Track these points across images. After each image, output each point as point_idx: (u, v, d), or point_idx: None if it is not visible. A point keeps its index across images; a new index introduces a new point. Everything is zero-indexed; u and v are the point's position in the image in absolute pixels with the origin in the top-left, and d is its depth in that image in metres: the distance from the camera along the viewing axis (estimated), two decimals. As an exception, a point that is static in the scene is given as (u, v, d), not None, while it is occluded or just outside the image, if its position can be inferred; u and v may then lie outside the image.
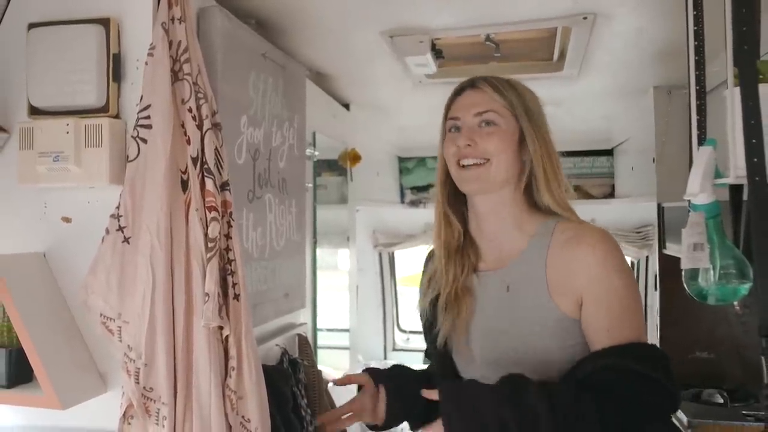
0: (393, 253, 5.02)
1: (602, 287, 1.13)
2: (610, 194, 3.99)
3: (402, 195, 4.41)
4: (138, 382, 1.33)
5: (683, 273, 1.36)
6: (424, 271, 1.43)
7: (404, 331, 5.09)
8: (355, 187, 3.18)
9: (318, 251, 2.73)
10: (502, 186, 1.24)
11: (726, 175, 1.26)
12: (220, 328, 1.39)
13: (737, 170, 1.19)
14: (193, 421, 1.35)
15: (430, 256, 1.41)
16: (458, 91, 1.30)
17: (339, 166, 3.10)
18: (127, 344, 1.35)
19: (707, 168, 1.27)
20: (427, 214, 4.53)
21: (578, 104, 3.12)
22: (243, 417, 1.41)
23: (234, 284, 1.42)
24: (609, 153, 4.00)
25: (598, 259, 1.14)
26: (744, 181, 1.15)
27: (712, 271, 1.31)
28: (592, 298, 1.14)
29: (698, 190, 1.26)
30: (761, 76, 1.25)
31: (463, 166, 1.23)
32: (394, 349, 5.07)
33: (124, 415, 1.35)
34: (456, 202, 1.31)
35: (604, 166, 4.01)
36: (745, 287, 1.32)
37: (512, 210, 1.26)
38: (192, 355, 1.37)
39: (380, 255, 4.97)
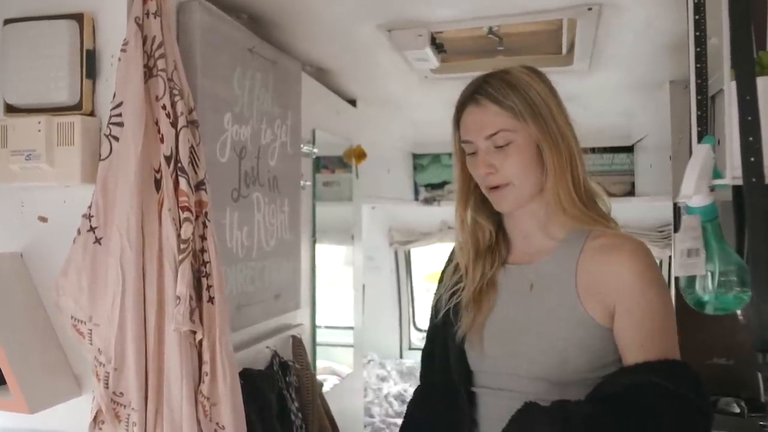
0: (409, 251, 4.96)
1: (637, 300, 1.09)
2: (630, 192, 3.86)
3: (416, 192, 4.33)
4: (107, 387, 1.30)
5: (680, 281, 1.28)
6: (446, 266, 1.38)
7: (420, 330, 5.03)
8: (364, 185, 3.12)
9: (327, 249, 2.68)
10: (533, 197, 1.19)
11: (724, 175, 1.17)
12: (193, 332, 1.35)
13: (734, 170, 1.11)
14: (164, 427, 1.32)
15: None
16: (461, 106, 1.23)
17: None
18: (98, 348, 1.32)
19: (704, 168, 1.19)
20: (442, 212, 4.45)
21: (593, 99, 3.01)
22: (217, 424, 1.37)
23: (209, 287, 1.38)
24: (629, 150, 3.87)
25: (636, 270, 1.09)
26: (740, 182, 1.06)
27: (710, 279, 1.23)
28: (626, 310, 1.09)
29: (693, 192, 1.17)
30: (765, 69, 1.16)
31: (491, 189, 1.20)
32: (410, 348, 5.02)
33: (94, 420, 1.32)
34: (485, 200, 1.25)
35: (624, 163, 3.88)
36: (747, 295, 1.23)
37: (539, 215, 1.21)
38: (163, 359, 1.33)
39: (396, 252, 4.92)
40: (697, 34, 1.30)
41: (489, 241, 1.27)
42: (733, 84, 1.08)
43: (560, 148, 1.15)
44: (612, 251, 1.12)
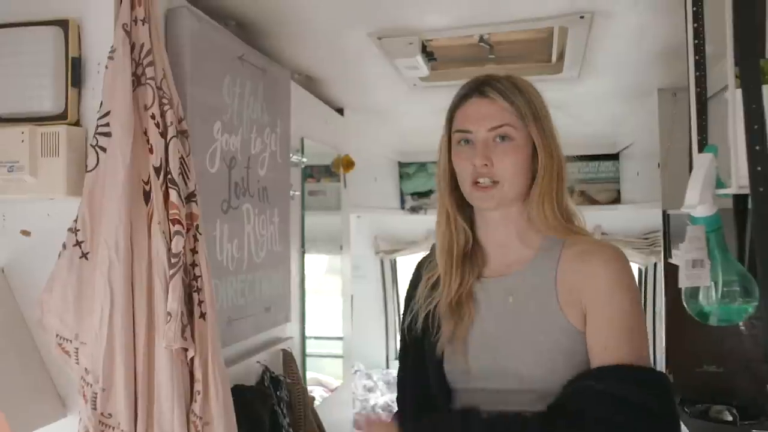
0: (395, 260, 4.92)
1: (603, 303, 1.07)
2: (616, 200, 3.87)
3: (402, 201, 4.31)
4: (95, 408, 1.25)
5: (682, 291, 1.26)
6: (416, 281, 1.32)
7: (406, 340, 4.98)
8: (352, 194, 3.09)
9: (315, 259, 2.64)
10: (515, 200, 1.17)
11: (728, 184, 1.15)
12: (185, 349, 1.30)
13: (739, 179, 1.09)
14: (155, 449, 1.27)
15: (424, 264, 1.32)
16: (464, 97, 1.19)
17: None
18: (84, 367, 1.27)
19: (707, 177, 1.17)
20: (428, 221, 4.42)
21: (581, 107, 3.01)
22: (210, 444, 1.32)
23: (200, 302, 1.34)
24: (614, 157, 3.88)
25: (609, 275, 1.08)
26: (747, 191, 1.05)
27: (713, 289, 1.21)
28: (596, 314, 1.08)
29: (697, 201, 1.15)
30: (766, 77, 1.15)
31: (477, 184, 1.15)
32: (396, 358, 4.97)
33: (80, 442, 1.27)
34: (463, 204, 1.22)
35: (609, 171, 3.90)
36: (751, 306, 1.21)
37: (519, 222, 1.19)
38: (154, 378, 1.28)
39: (382, 262, 4.88)
40: (696, 42, 1.29)
41: (465, 246, 1.23)
42: (738, 92, 1.07)
43: (553, 156, 1.15)
44: (586, 257, 1.11)
